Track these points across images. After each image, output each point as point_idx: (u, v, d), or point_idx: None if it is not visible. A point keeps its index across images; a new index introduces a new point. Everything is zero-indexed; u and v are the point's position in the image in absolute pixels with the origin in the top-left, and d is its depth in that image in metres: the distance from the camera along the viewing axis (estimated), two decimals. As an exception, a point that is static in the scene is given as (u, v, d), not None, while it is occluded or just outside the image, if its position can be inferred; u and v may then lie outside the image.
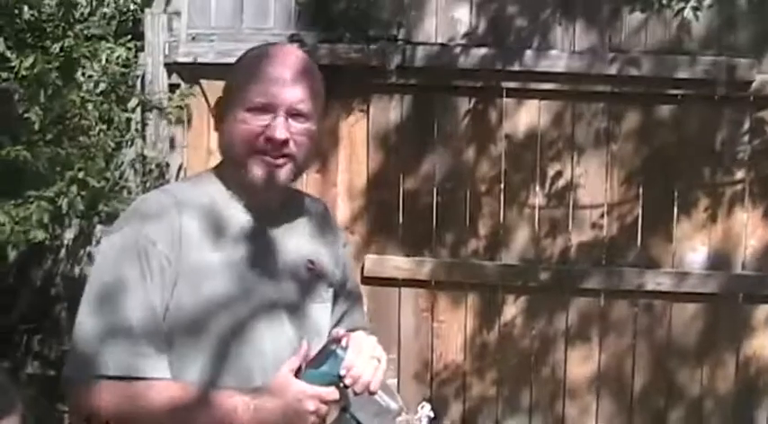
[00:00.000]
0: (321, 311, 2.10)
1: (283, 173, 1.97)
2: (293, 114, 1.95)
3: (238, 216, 2.00)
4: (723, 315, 4.98)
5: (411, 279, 5.07)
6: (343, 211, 5.02)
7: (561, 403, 5.09)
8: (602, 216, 4.99)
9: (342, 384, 1.87)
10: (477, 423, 5.14)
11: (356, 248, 4.98)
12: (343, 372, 1.86)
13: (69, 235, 5.05)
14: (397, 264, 5.05)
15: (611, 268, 4.98)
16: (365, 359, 1.90)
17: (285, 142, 1.93)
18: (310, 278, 2.07)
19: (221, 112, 2.01)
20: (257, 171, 1.95)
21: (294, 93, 1.95)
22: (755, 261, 4.95)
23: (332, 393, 1.87)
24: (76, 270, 5.15)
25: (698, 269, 4.95)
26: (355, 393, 1.90)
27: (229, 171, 2.02)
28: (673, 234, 4.96)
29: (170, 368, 1.87)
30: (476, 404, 5.14)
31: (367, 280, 4.97)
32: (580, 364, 5.07)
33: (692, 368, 5.02)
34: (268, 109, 1.93)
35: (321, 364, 1.87)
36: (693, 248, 4.96)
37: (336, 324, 2.17)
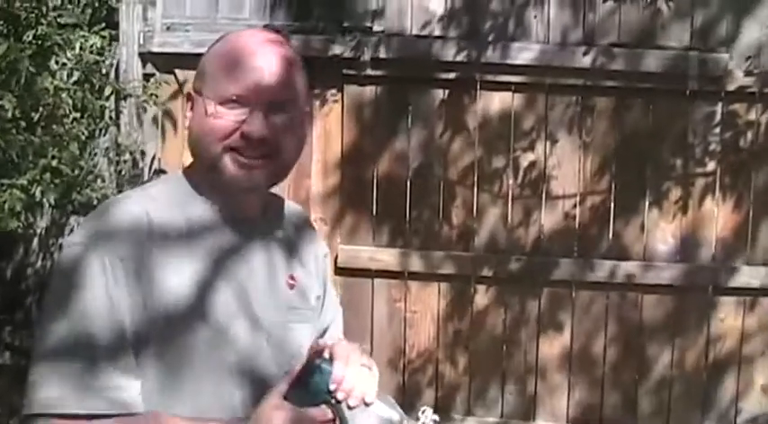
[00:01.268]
0: (303, 330, 1.88)
1: (262, 175, 1.75)
2: (272, 108, 1.71)
3: (213, 224, 1.77)
4: (692, 305, 5.03)
5: (384, 270, 5.09)
6: (316, 202, 5.03)
7: (533, 391, 5.13)
8: (574, 206, 5.03)
9: (333, 400, 1.64)
10: (450, 411, 5.16)
11: (329, 239, 4.99)
12: (332, 387, 1.63)
13: (42, 225, 5.04)
14: (369, 254, 5.07)
15: (582, 258, 5.02)
16: (355, 369, 1.65)
17: (263, 140, 1.70)
18: (291, 294, 1.85)
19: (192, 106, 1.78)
20: (232, 171, 1.72)
21: (273, 84, 1.71)
22: (725, 252, 5.00)
23: (324, 413, 1.64)
24: (49, 261, 5.13)
25: (668, 260, 5.00)
26: (350, 407, 1.64)
27: (201, 172, 1.78)
28: (644, 224, 5.00)
29: (145, 395, 1.64)
30: (448, 393, 5.17)
31: (340, 271, 5.00)
32: (551, 353, 5.11)
33: (661, 357, 5.07)
34: (244, 102, 1.69)
35: (307, 382, 1.64)
36: (664, 239, 5.01)
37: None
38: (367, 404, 1.65)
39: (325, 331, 2.02)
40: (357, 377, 1.65)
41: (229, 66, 1.72)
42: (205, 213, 1.77)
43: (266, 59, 1.73)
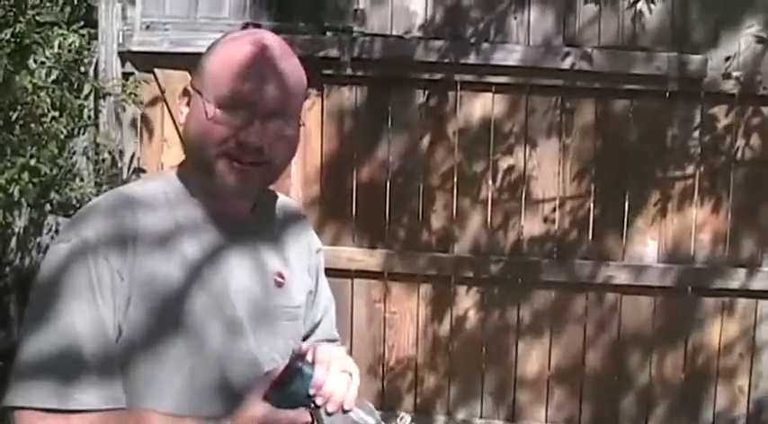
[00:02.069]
0: (291, 328, 1.88)
1: (256, 181, 1.76)
2: (271, 115, 1.71)
3: (202, 225, 1.77)
4: (672, 308, 5.04)
5: (364, 270, 5.08)
6: (296, 201, 5.01)
7: (512, 394, 5.13)
8: (554, 209, 5.03)
9: (312, 405, 1.65)
10: (430, 413, 5.16)
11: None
12: (312, 391, 1.64)
13: (21, 224, 5.01)
14: (349, 255, 5.06)
15: (562, 261, 5.02)
16: (335, 375, 1.66)
17: (260, 148, 1.70)
18: (278, 293, 1.85)
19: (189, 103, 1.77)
20: (226, 176, 1.71)
21: (274, 92, 1.70)
22: (704, 255, 5.02)
23: (303, 415, 1.65)
24: (27, 260, 5.10)
25: (648, 263, 5.01)
26: (328, 413, 1.66)
27: (194, 173, 1.77)
28: (624, 227, 5.01)
29: (126, 395, 1.64)
30: (428, 395, 5.17)
31: (320, 271, 4.98)
32: (532, 355, 5.11)
33: (642, 359, 5.08)
34: (243, 107, 1.69)
35: (287, 384, 1.64)
36: (644, 241, 5.02)
37: (307, 336, 1.99)
38: (345, 411, 1.66)
39: (317, 325, 2.03)
40: (337, 383, 1.66)
41: (231, 70, 1.70)
42: (195, 213, 1.77)
43: (269, 67, 1.72)
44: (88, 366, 1.60)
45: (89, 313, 1.61)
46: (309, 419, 1.66)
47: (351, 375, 1.70)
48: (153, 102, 5.05)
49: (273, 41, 1.77)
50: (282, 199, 2.00)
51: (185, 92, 1.79)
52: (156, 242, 1.69)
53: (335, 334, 2.11)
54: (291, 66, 1.76)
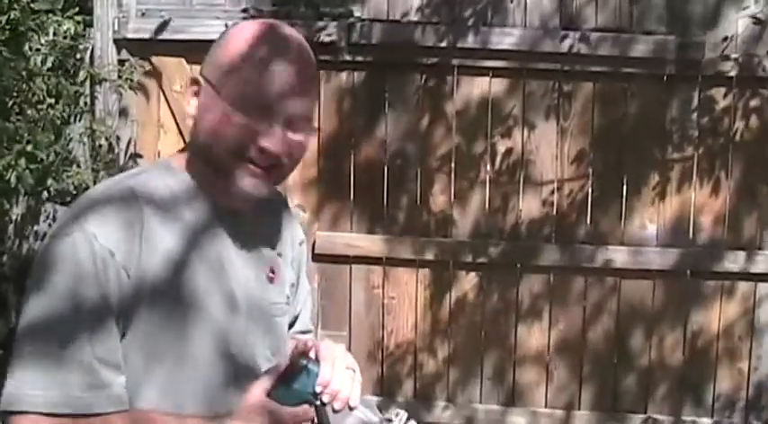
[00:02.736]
0: (282, 324, 1.89)
1: (269, 185, 1.72)
2: (293, 123, 1.67)
3: (207, 221, 1.72)
4: (672, 290, 5.03)
5: (362, 256, 5.07)
6: (294, 188, 5.00)
7: (512, 379, 5.13)
8: (552, 192, 5.02)
9: (319, 402, 1.64)
10: (429, 398, 5.16)
11: (308, 225, 4.97)
12: (318, 389, 1.63)
13: (18, 211, 5.00)
14: (347, 241, 5.05)
15: (561, 244, 5.02)
16: (340, 372, 1.65)
17: (279, 155, 1.67)
18: (271, 288, 1.84)
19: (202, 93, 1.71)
20: (242, 180, 1.68)
21: (299, 103, 1.67)
22: (703, 237, 5.01)
23: (308, 412, 1.65)
24: (24, 248, 5.09)
25: (647, 246, 5.00)
26: (335, 411, 1.65)
27: (202, 168, 1.73)
28: (622, 210, 5.00)
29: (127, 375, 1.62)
30: (427, 380, 5.17)
31: (318, 257, 4.99)
32: (531, 339, 5.10)
33: (642, 342, 5.07)
34: (265, 113, 1.64)
35: (292, 381, 1.63)
36: (643, 224, 5.01)
37: (288, 328, 1.97)
38: (351, 408, 1.66)
39: (296, 317, 2.02)
40: (343, 380, 1.65)
41: (255, 71, 1.65)
42: (200, 208, 1.73)
43: (296, 73, 1.67)
44: (96, 370, 1.56)
45: (97, 313, 1.56)
46: (315, 416, 1.66)
47: (354, 371, 1.69)
48: (149, 89, 5.03)
49: (301, 46, 1.73)
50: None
51: (194, 81, 1.73)
52: (162, 237, 1.64)
53: (311, 326, 2.11)
54: (313, 71, 1.72)
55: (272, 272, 1.84)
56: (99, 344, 1.56)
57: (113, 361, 1.58)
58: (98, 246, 1.56)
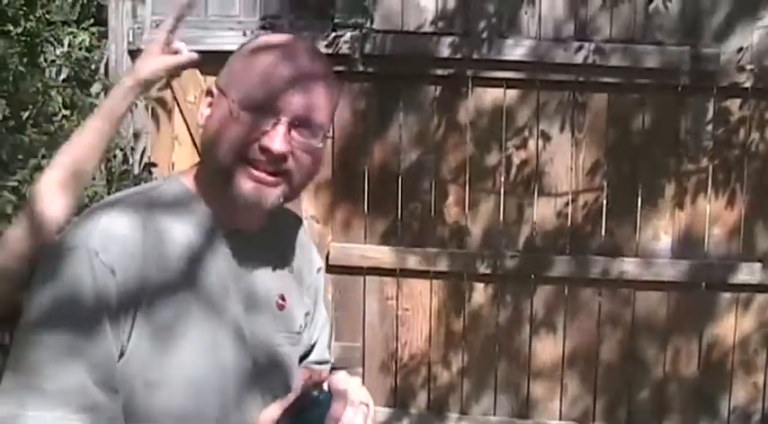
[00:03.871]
0: (293, 355, 1.81)
1: (274, 195, 1.62)
2: (297, 124, 1.59)
3: (214, 242, 1.67)
4: (686, 303, 5.02)
5: (376, 267, 5.07)
6: (308, 199, 5.00)
7: (526, 391, 5.11)
8: (567, 203, 5.01)
9: None
10: (443, 410, 5.15)
11: (321, 236, 4.97)
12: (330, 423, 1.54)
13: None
14: (361, 252, 5.05)
15: (575, 255, 5.00)
16: (354, 406, 1.56)
17: (283, 156, 1.58)
18: (280, 316, 1.76)
19: (212, 101, 1.67)
20: (244, 185, 1.60)
21: (304, 99, 1.60)
22: (718, 249, 4.99)
23: None
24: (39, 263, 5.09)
25: (662, 257, 4.98)
26: None
27: (209, 181, 1.68)
28: (637, 222, 4.98)
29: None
30: (441, 392, 5.16)
31: (332, 268, 4.97)
32: (545, 351, 5.09)
33: (655, 354, 5.06)
34: (269, 111, 1.58)
35: (302, 413, 1.55)
36: (657, 236, 4.99)
37: (302, 358, 1.90)
38: None
39: (312, 347, 1.96)
40: (355, 416, 1.56)
41: (260, 72, 1.61)
42: (207, 226, 1.67)
43: (301, 70, 1.62)
44: (91, 393, 1.50)
45: (94, 336, 1.50)
46: None
47: (367, 406, 1.60)
48: (163, 100, 5.03)
49: (309, 47, 1.71)
50: (286, 212, 1.88)
51: (209, 93, 1.69)
52: (165, 255, 1.59)
53: (327, 356, 2.04)
54: (322, 77, 1.65)
55: (283, 299, 1.77)
56: (98, 365, 1.50)
57: (109, 383, 1.52)
58: (99, 262, 1.51)
